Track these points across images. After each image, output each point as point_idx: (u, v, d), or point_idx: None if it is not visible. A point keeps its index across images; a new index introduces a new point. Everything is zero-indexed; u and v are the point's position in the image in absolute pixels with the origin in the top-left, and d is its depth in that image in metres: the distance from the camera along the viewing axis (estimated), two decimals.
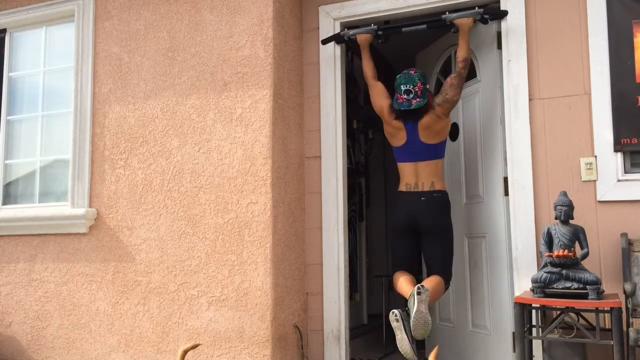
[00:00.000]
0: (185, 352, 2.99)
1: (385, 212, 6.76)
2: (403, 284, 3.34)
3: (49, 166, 4.39)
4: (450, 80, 3.51)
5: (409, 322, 3.01)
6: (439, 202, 3.48)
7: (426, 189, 3.50)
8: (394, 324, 3.03)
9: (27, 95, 4.52)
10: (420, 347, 4.60)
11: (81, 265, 4.01)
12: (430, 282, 3.29)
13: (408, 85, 3.47)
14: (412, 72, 3.50)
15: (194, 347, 3.03)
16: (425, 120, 3.48)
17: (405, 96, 3.47)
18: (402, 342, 2.99)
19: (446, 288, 3.43)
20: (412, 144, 3.53)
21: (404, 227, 3.51)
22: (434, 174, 3.52)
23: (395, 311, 3.03)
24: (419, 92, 3.46)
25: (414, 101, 3.46)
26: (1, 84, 4.56)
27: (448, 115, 3.53)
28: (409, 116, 3.50)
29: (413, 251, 3.56)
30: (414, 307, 2.98)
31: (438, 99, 3.51)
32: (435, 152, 3.52)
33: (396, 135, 3.59)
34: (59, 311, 4.03)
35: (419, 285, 3.03)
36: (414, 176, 3.54)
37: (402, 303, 3.26)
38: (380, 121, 3.73)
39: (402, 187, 3.57)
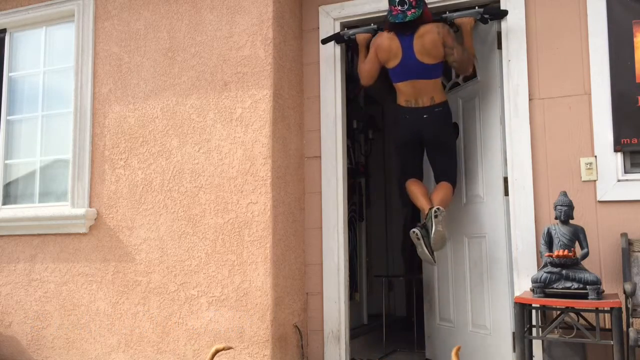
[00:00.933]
0: (218, 351, 2.99)
1: (385, 212, 6.77)
2: (419, 196, 3.62)
3: (49, 166, 4.39)
4: (460, 52, 3.48)
5: (427, 238, 3.46)
6: (440, 116, 3.59)
7: (427, 104, 3.56)
8: (415, 241, 3.49)
9: (27, 95, 4.52)
10: (420, 347, 4.62)
11: (81, 265, 4.01)
12: (441, 193, 3.58)
13: None
14: None
15: (227, 348, 3.05)
16: (422, 30, 3.45)
17: (399, 7, 3.42)
18: (424, 254, 3.49)
19: (453, 190, 3.69)
20: (408, 60, 3.51)
21: (409, 141, 3.68)
22: (433, 89, 3.56)
23: (415, 230, 3.47)
24: (413, 2, 3.42)
25: (409, 12, 3.41)
26: (1, 84, 4.56)
27: (445, 49, 3.47)
28: (404, 28, 3.46)
29: (420, 159, 3.78)
30: (432, 228, 3.40)
31: (449, 39, 3.45)
32: (431, 71, 3.53)
33: (390, 50, 3.55)
34: (59, 311, 4.03)
35: (435, 208, 3.41)
36: (412, 94, 3.58)
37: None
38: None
39: (402, 102, 3.63)
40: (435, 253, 3.57)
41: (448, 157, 3.69)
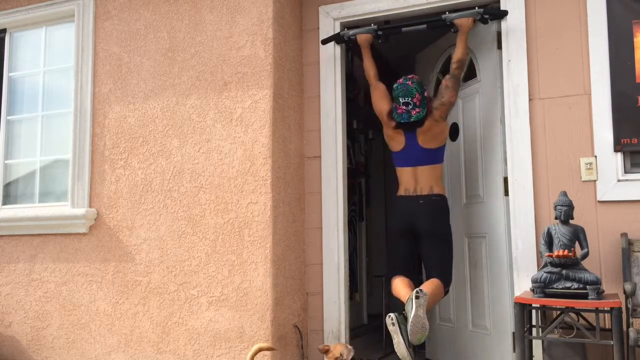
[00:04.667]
0: (260, 350, 2.99)
1: (385, 212, 6.77)
2: (400, 287, 3.30)
3: (49, 166, 4.39)
4: (445, 82, 3.52)
5: (405, 326, 2.99)
6: (437, 205, 3.47)
7: (425, 192, 3.49)
8: (390, 328, 3.00)
9: (27, 95, 4.52)
10: (420, 347, 4.61)
11: (81, 265, 4.01)
12: (429, 286, 3.25)
13: (406, 98, 3.46)
14: (409, 83, 3.48)
15: (270, 349, 3.06)
16: (425, 126, 3.48)
17: (404, 107, 3.48)
18: (399, 346, 2.98)
19: (445, 292, 3.39)
20: (411, 148, 3.53)
21: (403, 231, 3.50)
22: (433, 178, 3.51)
23: (392, 315, 3.00)
24: (417, 103, 3.46)
25: (413, 112, 3.46)
26: (1, 84, 4.56)
27: (446, 119, 3.53)
28: (409, 125, 3.51)
29: (412, 254, 3.53)
30: (411, 312, 2.96)
31: (435, 103, 3.51)
32: (434, 156, 3.52)
33: (395, 139, 3.59)
34: (59, 311, 4.03)
35: (417, 289, 3.01)
36: (412, 181, 3.53)
37: (401, 305, 3.26)
38: (380, 122, 3.73)
39: (401, 192, 3.57)
40: (412, 349, 3.01)
41: (442, 253, 3.44)
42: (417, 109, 3.46)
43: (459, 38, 3.55)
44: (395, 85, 3.54)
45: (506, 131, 3.52)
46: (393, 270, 3.52)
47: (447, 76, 3.53)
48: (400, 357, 3.01)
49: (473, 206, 3.90)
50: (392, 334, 3.01)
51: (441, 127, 3.52)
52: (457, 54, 3.52)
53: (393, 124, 3.56)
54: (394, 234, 3.56)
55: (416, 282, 3.51)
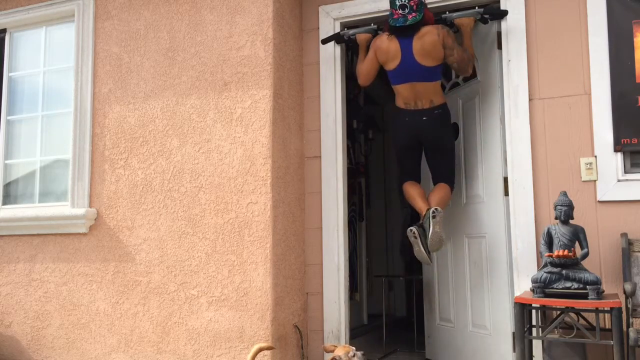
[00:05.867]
0: (260, 350, 3.01)
1: (385, 212, 6.77)
2: (416, 197, 3.61)
3: (49, 166, 4.39)
4: (460, 53, 3.49)
5: (424, 237, 3.43)
6: (439, 118, 3.59)
7: (426, 106, 3.56)
8: (412, 239, 3.45)
9: (27, 95, 4.52)
10: (420, 347, 4.62)
11: (81, 265, 4.01)
12: (439, 194, 3.57)
13: (403, 0, 3.43)
14: None
15: (270, 348, 3.07)
16: (421, 31, 3.45)
17: (400, 11, 3.43)
18: (420, 253, 3.44)
19: (452, 190, 3.69)
20: (407, 62, 3.51)
21: (408, 143, 3.67)
22: (432, 92, 3.56)
23: (413, 228, 3.43)
24: (414, 6, 3.43)
25: (409, 16, 3.42)
26: (1, 84, 4.56)
27: (444, 50, 3.48)
28: (405, 31, 3.47)
29: (419, 161, 3.78)
30: (429, 228, 3.38)
31: (449, 40, 3.45)
32: (431, 73, 3.52)
33: (390, 52, 3.55)
34: (59, 311, 4.03)
35: (433, 208, 3.39)
36: (412, 96, 3.57)
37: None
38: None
39: (401, 104, 3.62)
40: (432, 254, 3.54)
41: (447, 159, 3.68)
42: (414, 13, 3.42)
43: (465, 38, 3.56)
44: None
45: (506, 131, 3.52)
46: (403, 175, 3.79)
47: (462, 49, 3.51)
48: (420, 260, 3.51)
49: (473, 206, 3.90)
50: (413, 244, 3.47)
51: (436, 41, 3.44)
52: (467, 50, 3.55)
53: (388, 32, 3.54)
54: (400, 147, 3.73)
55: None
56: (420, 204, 3.58)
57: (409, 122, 3.60)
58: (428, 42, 3.46)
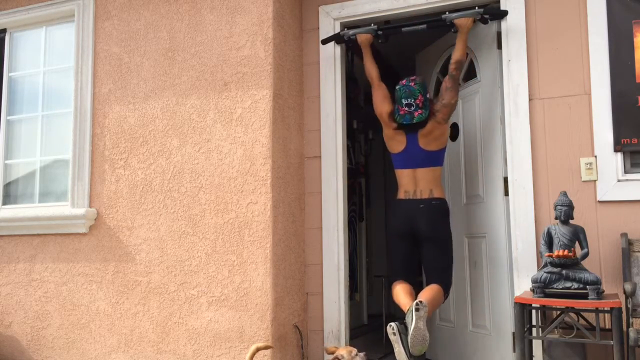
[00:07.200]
0: (258, 350, 3.02)
1: (385, 212, 6.77)
2: (401, 295, 3.32)
3: (49, 166, 4.39)
4: (445, 84, 3.51)
5: (406, 336, 3.02)
6: (437, 209, 3.46)
7: (425, 196, 3.47)
8: (391, 337, 3.03)
9: (27, 95, 4.52)
10: None
11: (81, 265, 4.01)
12: (429, 293, 3.27)
13: (409, 99, 3.44)
14: (412, 85, 3.46)
15: (267, 347, 3.08)
16: (427, 128, 3.47)
17: (406, 108, 3.46)
18: (400, 355, 3.01)
19: (445, 297, 3.40)
20: (412, 150, 3.51)
21: (403, 234, 3.50)
22: (433, 181, 3.50)
23: (393, 324, 3.04)
24: (420, 104, 3.44)
25: (416, 113, 3.44)
26: (1, 84, 4.56)
27: (447, 121, 3.52)
28: (411, 127, 3.50)
29: (412, 257, 3.54)
30: (412, 324, 2.99)
31: (437, 105, 3.50)
32: (434, 159, 3.51)
33: (396, 139, 3.57)
34: (59, 311, 4.03)
35: (417, 301, 3.03)
36: (412, 183, 3.52)
37: (401, 311, 3.27)
38: (380, 122, 3.72)
39: (401, 195, 3.55)
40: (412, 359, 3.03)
41: (442, 254, 3.44)
42: (420, 111, 3.44)
43: (459, 38, 3.55)
44: (397, 87, 3.52)
45: (506, 131, 3.52)
46: (394, 274, 3.54)
47: (447, 77, 3.52)
48: None
49: (473, 206, 3.90)
50: (393, 343, 3.03)
51: (442, 130, 3.50)
52: (456, 54, 3.52)
53: (394, 125, 3.55)
54: (394, 237, 3.55)
55: (417, 285, 3.52)
56: (404, 300, 3.26)
57: (406, 210, 3.48)
58: (433, 136, 3.48)
